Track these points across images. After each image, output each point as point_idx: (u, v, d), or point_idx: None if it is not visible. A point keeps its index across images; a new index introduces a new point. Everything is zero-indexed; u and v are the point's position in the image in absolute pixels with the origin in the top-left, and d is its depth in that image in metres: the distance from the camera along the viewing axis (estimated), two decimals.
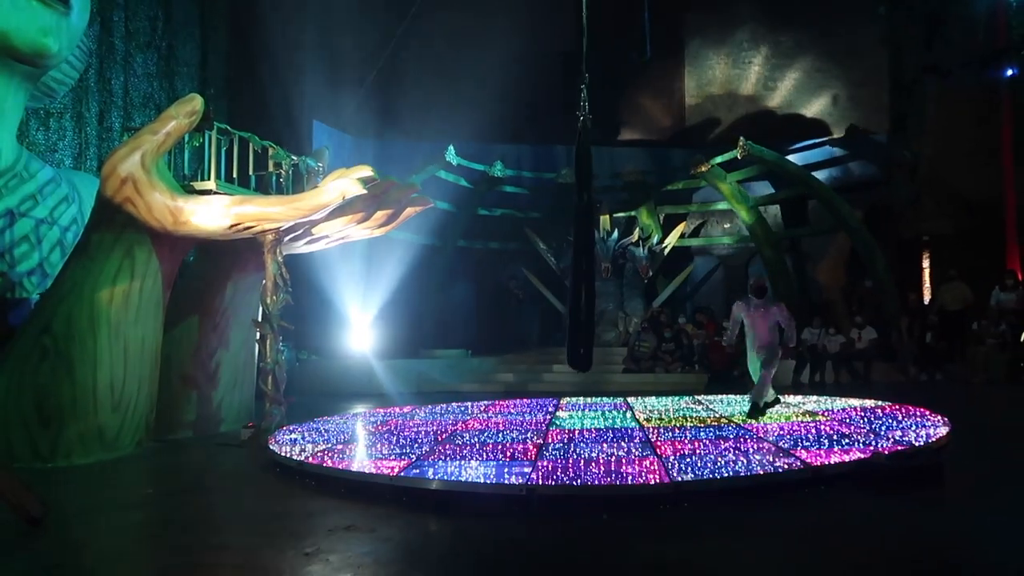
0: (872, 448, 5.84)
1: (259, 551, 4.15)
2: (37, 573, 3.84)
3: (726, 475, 5.15)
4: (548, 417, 8.73)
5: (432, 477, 5.31)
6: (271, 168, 8.65)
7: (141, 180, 6.93)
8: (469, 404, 10.46)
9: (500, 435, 7.31)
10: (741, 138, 15.09)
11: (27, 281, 9.08)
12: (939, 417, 7.42)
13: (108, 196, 7.05)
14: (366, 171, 7.38)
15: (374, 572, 3.70)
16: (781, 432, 6.99)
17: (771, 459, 5.61)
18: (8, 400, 6.73)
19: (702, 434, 7.08)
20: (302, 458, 6.16)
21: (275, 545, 4.23)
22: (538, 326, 18.42)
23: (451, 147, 15.57)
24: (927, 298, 16.01)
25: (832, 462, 5.49)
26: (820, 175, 16.69)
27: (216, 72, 16.26)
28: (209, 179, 7.69)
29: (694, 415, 8.60)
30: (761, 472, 5.22)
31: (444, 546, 4.30)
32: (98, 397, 6.93)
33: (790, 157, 16.62)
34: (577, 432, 7.42)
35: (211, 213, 7.12)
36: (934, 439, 6.22)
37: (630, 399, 10.67)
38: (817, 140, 17.96)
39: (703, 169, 16.19)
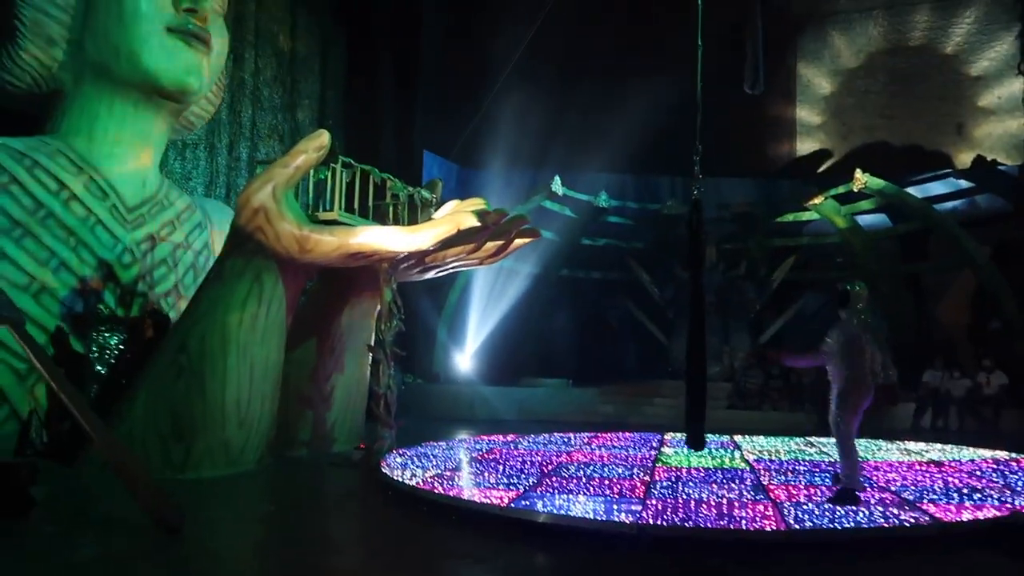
0: (1009, 506, 5.47)
1: (379, 572, 4.30)
2: None
3: (847, 526, 4.94)
4: (653, 453, 8.62)
5: (542, 510, 5.35)
6: (388, 199, 8.99)
7: (272, 210, 7.34)
8: (572, 435, 10.45)
9: (606, 469, 7.28)
10: (858, 170, 14.57)
11: (163, 302, 9.75)
12: None
13: (241, 224, 7.51)
14: (480, 204, 7.57)
15: None
16: (904, 482, 6.65)
17: (895, 511, 5.35)
18: (147, 414, 7.22)
19: (817, 479, 6.82)
20: (413, 482, 6.33)
21: (393, 568, 4.36)
22: (638, 357, 18.24)
23: (557, 177, 15.74)
24: None
25: (964, 519, 5.18)
26: (943, 208, 15.87)
27: (334, 105, 17.09)
28: (332, 210, 8.07)
29: (807, 458, 8.29)
30: (885, 525, 4.98)
31: None
32: (226, 413, 7.34)
33: (910, 190, 15.90)
34: (684, 471, 7.30)
35: (334, 242, 7.46)
36: None
37: (736, 437, 10.39)
38: (940, 172, 17.10)
39: (816, 202, 15.71)
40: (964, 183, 16.80)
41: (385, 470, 7.00)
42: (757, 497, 5.89)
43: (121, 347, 8.50)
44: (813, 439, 10.42)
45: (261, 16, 15.01)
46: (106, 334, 8.47)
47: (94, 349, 8.42)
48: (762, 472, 7.20)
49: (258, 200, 7.33)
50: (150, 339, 8.13)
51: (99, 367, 8.44)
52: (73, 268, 8.77)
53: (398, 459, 7.66)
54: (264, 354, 7.70)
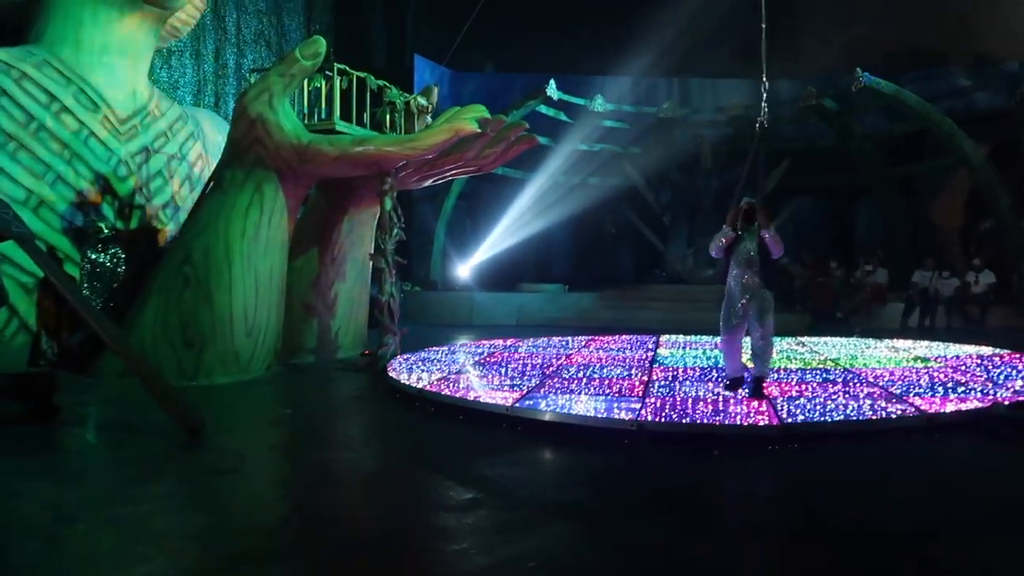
0: (991, 397, 5.75)
1: (397, 467, 4.56)
2: (213, 476, 4.34)
3: (837, 419, 5.20)
4: (650, 354, 8.89)
5: (546, 409, 5.59)
6: (384, 107, 8.90)
7: (269, 120, 7.31)
8: (570, 339, 10.71)
9: (605, 370, 7.53)
10: (858, 69, 14.33)
11: (162, 214, 9.76)
12: None
13: (239, 136, 7.49)
14: (479, 110, 7.53)
15: (507, 488, 4.02)
16: (891, 378, 6.92)
17: (883, 404, 5.61)
18: (156, 324, 7.40)
19: (808, 377, 7.09)
20: (420, 386, 6.57)
21: (412, 462, 4.62)
22: (634, 262, 18.44)
23: (552, 81, 15.46)
24: None
25: (948, 410, 5.45)
26: (941, 107, 15.71)
27: (321, 8, 16.58)
28: (329, 119, 8.01)
29: (798, 357, 8.58)
30: (873, 417, 5.25)
31: (564, 470, 4.60)
32: (234, 322, 7.51)
33: (908, 88, 15.70)
34: (681, 370, 7.56)
35: (333, 152, 7.45)
36: None
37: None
38: (939, 69, 16.86)
39: (812, 102, 15.53)
40: (964, 81, 16.60)
41: (392, 374, 7.23)
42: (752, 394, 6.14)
43: (122, 262, 8.60)
44: (804, 339, 10.72)
45: None
46: (109, 249, 8.53)
47: (97, 263, 8.51)
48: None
49: (255, 110, 7.30)
50: (153, 252, 8.22)
51: (102, 283, 8.56)
52: (70, 181, 8.73)
53: (403, 364, 7.89)
54: (268, 264, 7.81)
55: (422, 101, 9.28)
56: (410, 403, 6.40)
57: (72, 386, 6.43)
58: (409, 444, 5.26)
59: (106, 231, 8.71)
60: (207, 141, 10.65)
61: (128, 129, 9.46)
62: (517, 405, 5.71)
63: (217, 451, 4.89)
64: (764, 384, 6.15)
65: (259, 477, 4.53)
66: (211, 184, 8.06)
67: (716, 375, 7.17)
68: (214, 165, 8.53)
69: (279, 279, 8.08)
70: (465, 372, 7.42)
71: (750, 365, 6.27)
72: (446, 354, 8.89)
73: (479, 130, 7.67)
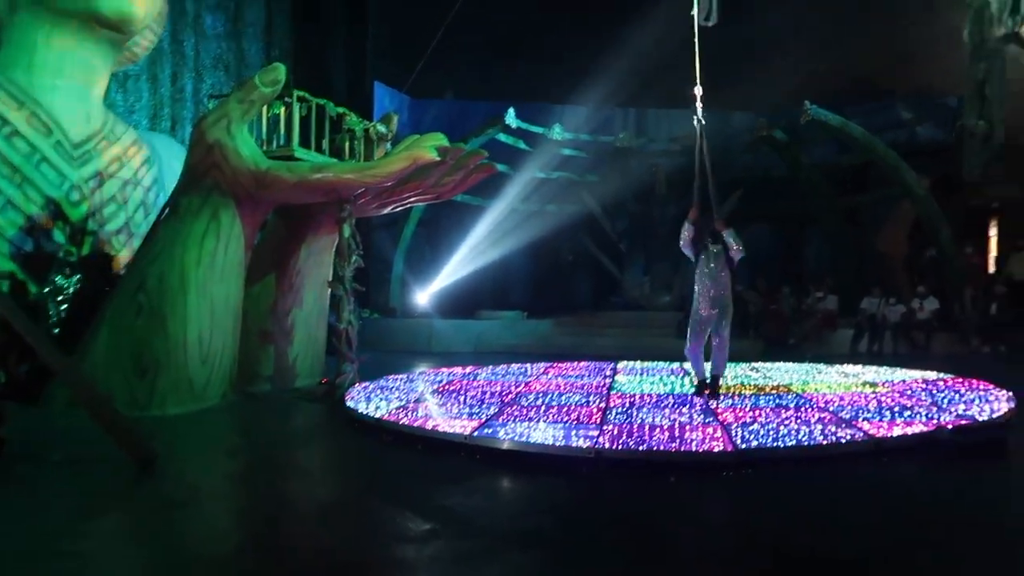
0: (936, 422, 5.94)
1: (356, 497, 4.53)
2: (166, 508, 4.25)
3: (790, 444, 5.32)
4: (608, 381, 8.97)
5: (504, 437, 5.61)
6: (344, 133, 8.92)
7: (227, 146, 7.27)
8: (528, 366, 10.75)
9: (563, 398, 7.58)
10: (806, 102, 14.81)
11: (115, 240, 9.59)
12: (1003, 391, 7.44)
13: (196, 161, 7.43)
14: (439, 139, 7.61)
15: (466, 518, 4.02)
16: (841, 403, 7.11)
17: (833, 429, 5.76)
18: (108, 352, 7.25)
19: (762, 402, 7.24)
20: (378, 415, 6.53)
21: (370, 492, 4.59)
22: (591, 289, 18.63)
23: (511, 109, 15.65)
24: (992, 268, 15.68)
25: (895, 434, 5.62)
26: (885, 139, 16.30)
27: (281, 33, 16.56)
28: (288, 145, 8.00)
29: (752, 383, 8.75)
30: (824, 442, 5.38)
31: (523, 499, 4.62)
32: (188, 350, 7.40)
33: (854, 120, 16.26)
34: (638, 397, 7.65)
35: (292, 179, 7.44)
36: (998, 413, 6.28)
37: (687, 365, 10.81)
38: (883, 103, 17.52)
39: (763, 133, 15.98)
40: (906, 114, 17.27)
41: (349, 403, 7.18)
42: (707, 420, 6.25)
43: (74, 289, 8.41)
44: (758, 365, 10.92)
45: None
46: (59, 276, 8.34)
47: (47, 291, 8.31)
48: (710, 396, 7.59)
49: (212, 136, 7.26)
50: (106, 279, 8.07)
51: (53, 311, 8.35)
52: (20, 206, 8.55)
53: (361, 392, 7.84)
54: (224, 291, 7.73)
55: (381, 128, 9.32)
56: (368, 432, 6.36)
57: (19, 417, 6.24)
58: (367, 474, 5.23)
59: (61, 255, 8.54)
60: (163, 166, 10.52)
61: (81, 154, 9.30)
62: (476, 434, 5.72)
63: (170, 482, 4.80)
64: (719, 383, 7.33)
65: (213, 508, 4.45)
66: (167, 210, 7.96)
67: (672, 401, 7.28)
68: (170, 190, 8.44)
69: (235, 306, 7.99)
70: (424, 400, 7.40)
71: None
72: (404, 382, 8.85)
73: (438, 158, 7.73)
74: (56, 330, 8.14)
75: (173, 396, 7.30)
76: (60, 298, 8.33)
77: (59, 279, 8.31)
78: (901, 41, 17.91)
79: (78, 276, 8.38)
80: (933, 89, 17.20)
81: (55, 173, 8.93)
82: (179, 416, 7.09)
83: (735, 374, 9.67)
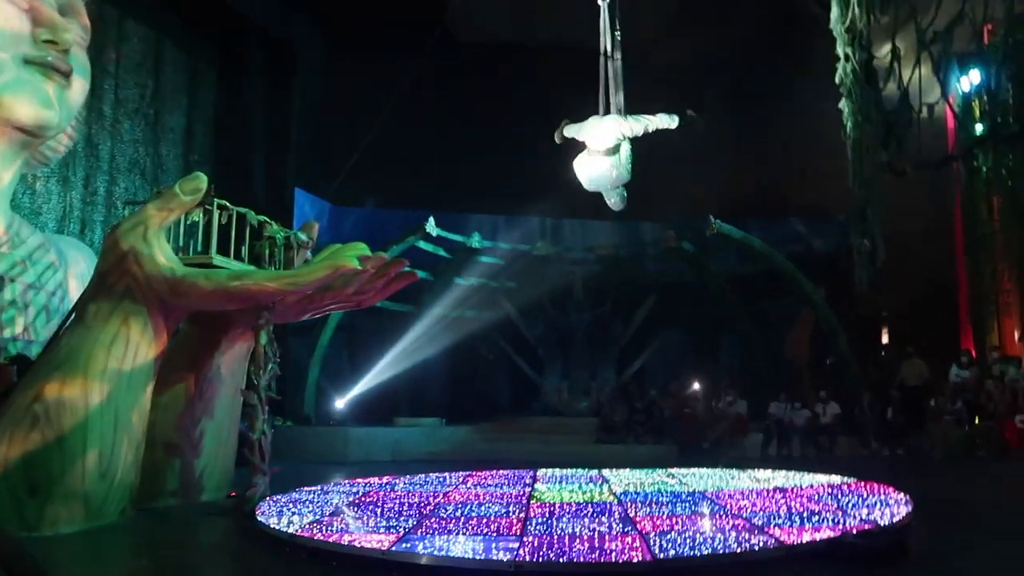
0: (841, 527, 6.16)
1: None
2: None
3: (706, 553, 5.41)
4: (527, 490, 8.92)
5: (423, 552, 5.49)
6: (264, 241, 8.91)
7: (142, 253, 7.16)
8: (448, 474, 10.58)
9: (483, 508, 7.48)
10: (711, 216, 15.76)
11: (11, 346, 9.13)
12: (902, 495, 7.78)
13: (108, 268, 7.26)
14: (360, 248, 7.71)
15: None
16: (754, 508, 7.28)
17: (747, 536, 5.89)
18: None
19: (678, 509, 7.34)
20: (291, 530, 6.27)
21: None
22: (510, 394, 18.69)
23: (431, 218, 16.02)
24: (885, 374, 16.62)
25: (805, 540, 5.79)
26: (784, 250, 17.40)
27: (201, 139, 16.62)
28: (206, 253, 7.93)
29: (668, 489, 8.86)
30: (738, 549, 5.49)
31: None
32: (86, 465, 6.97)
33: (755, 233, 17.35)
34: (558, 506, 7.63)
35: (209, 286, 7.34)
36: (898, 517, 6.56)
37: (605, 472, 10.89)
38: (780, 218, 18.80)
39: (672, 244, 16.83)
40: (802, 228, 18.58)
41: (260, 518, 6.88)
42: (625, 529, 6.28)
43: None
44: (673, 470, 11.08)
45: (123, 47, 14.47)
46: None
47: None
48: (629, 504, 7.65)
49: (127, 243, 7.15)
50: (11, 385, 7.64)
51: None
52: None
53: (272, 506, 7.53)
54: (130, 401, 7.41)
55: (302, 236, 9.36)
56: (280, 548, 6.08)
57: None
58: None
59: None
60: (70, 270, 10.20)
61: None
62: (393, 548, 5.57)
63: None
64: None
65: None
66: (71, 317, 7.68)
67: (592, 510, 7.29)
68: (75, 295, 8.16)
69: (142, 417, 7.64)
70: (339, 514, 7.17)
71: None
72: (319, 494, 8.56)
73: (360, 267, 7.81)
74: None
75: (66, 514, 6.80)
76: None
77: None
78: (798, 159, 19.41)
79: None
80: (823, 207, 18.60)
81: None
82: (74, 535, 6.62)
83: (651, 480, 9.79)
